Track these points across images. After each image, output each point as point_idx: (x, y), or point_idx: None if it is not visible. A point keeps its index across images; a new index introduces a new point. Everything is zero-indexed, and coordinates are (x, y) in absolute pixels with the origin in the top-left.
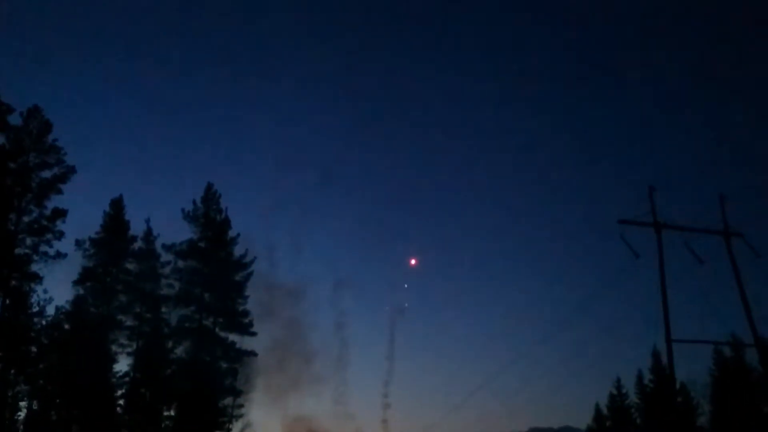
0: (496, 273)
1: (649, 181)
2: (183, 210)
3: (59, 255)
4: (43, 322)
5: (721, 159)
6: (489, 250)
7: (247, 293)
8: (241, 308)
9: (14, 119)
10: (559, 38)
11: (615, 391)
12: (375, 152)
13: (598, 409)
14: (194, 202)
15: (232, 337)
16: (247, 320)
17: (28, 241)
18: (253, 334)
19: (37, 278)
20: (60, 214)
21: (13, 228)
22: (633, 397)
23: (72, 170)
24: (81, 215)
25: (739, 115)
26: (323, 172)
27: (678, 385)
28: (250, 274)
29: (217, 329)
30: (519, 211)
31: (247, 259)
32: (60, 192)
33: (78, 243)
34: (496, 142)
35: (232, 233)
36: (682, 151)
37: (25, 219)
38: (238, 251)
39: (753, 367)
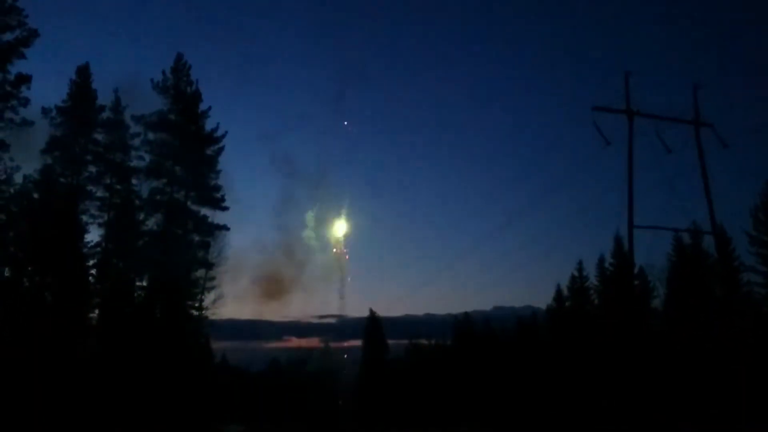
0: (467, 154)
1: (625, 69)
2: (152, 81)
3: (26, 123)
4: (12, 191)
5: (698, 49)
6: (461, 131)
7: (219, 168)
8: (212, 183)
9: None
10: None
11: (576, 274)
12: None
13: (559, 290)
14: (163, 73)
15: (204, 211)
16: (219, 195)
17: None
18: (225, 208)
19: (4, 146)
20: (24, 79)
21: None
22: (593, 280)
23: (35, 34)
24: (47, 83)
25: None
26: None
27: (636, 269)
28: (222, 148)
29: (189, 203)
30: (493, 94)
31: (219, 133)
32: (23, 56)
33: (45, 111)
34: (471, 27)
35: (203, 106)
36: (658, 40)
37: None
38: (209, 125)
39: (709, 254)
